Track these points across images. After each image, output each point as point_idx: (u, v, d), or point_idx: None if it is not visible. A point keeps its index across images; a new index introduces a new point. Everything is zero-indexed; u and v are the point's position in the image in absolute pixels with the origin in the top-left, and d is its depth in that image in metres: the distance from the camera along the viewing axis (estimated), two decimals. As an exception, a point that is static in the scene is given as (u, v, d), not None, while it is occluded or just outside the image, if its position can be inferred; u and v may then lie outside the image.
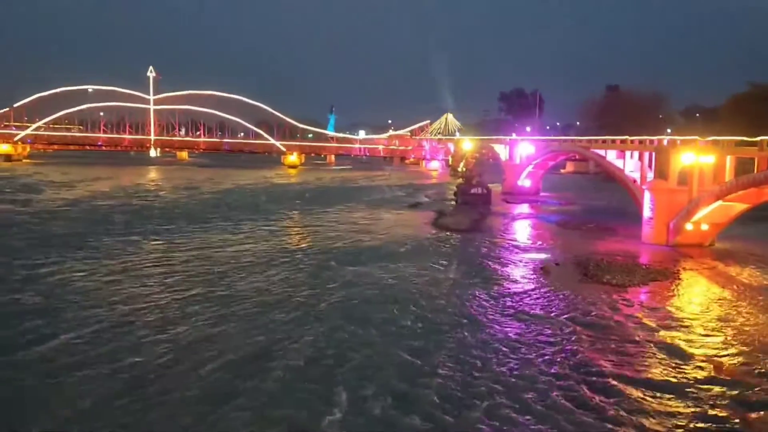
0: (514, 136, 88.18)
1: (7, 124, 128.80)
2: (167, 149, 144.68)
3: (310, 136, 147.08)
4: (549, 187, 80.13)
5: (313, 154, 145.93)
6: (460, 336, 20.00)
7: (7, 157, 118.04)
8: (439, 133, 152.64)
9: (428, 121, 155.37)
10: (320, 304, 22.99)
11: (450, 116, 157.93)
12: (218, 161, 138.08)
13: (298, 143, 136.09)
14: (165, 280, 25.77)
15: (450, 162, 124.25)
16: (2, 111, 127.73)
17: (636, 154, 46.38)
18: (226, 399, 14.70)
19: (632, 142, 47.63)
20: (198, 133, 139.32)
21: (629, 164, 47.22)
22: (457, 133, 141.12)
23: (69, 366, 16.37)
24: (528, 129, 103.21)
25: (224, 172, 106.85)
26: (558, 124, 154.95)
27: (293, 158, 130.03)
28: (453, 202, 61.13)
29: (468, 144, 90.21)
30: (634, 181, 45.22)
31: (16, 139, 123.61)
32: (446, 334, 20.21)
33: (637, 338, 20.42)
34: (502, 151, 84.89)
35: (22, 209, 48.56)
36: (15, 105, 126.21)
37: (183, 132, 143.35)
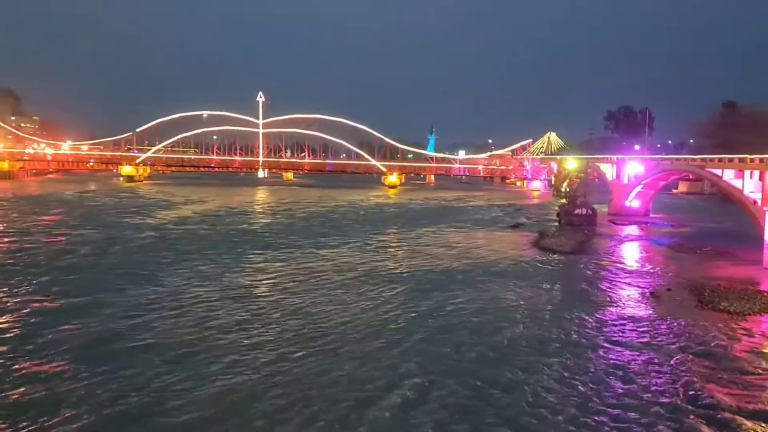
0: (621, 155, 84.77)
1: (130, 147, 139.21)
2: (274, 170, 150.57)
3: (410, 156, 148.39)
4: (659, 208, 76.28)
5: (412, 174, 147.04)
6: (565, 362, 19.28)
7: (130, 178, 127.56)
8: (541, 153, 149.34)
9: (530, 141, 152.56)
10: (420, 324, 22.98)
11: (553, 135, 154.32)
12: (321, 181, 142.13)
13: (398, 163, 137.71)
14: (273, 295, 26.71)
15: (553, 182, 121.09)
16: (126, 135, 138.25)
17: (756, 173, 43.31)
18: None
19: (752, 160, 44.51)
20: (303, 154, 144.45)
21: (749, 184, 44.11)
22: (560, 153, 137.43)
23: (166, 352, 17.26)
24: (637, 147, 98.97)
25: (327, 192, 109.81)
26: (670, 142, 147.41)
27: (393, 178, 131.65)
28: (556, 223, 59.50)
29: (572, 163, 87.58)
30: (755, 202, 42.19)
31: (137, 161, 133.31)
32: (550, 358, 19.57)
33: (759, 371, 18.93)
34: (608, 170, 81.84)
35: (150, 223, 52.09)
36: (137, 130, 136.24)
37: (289, 153, 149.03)
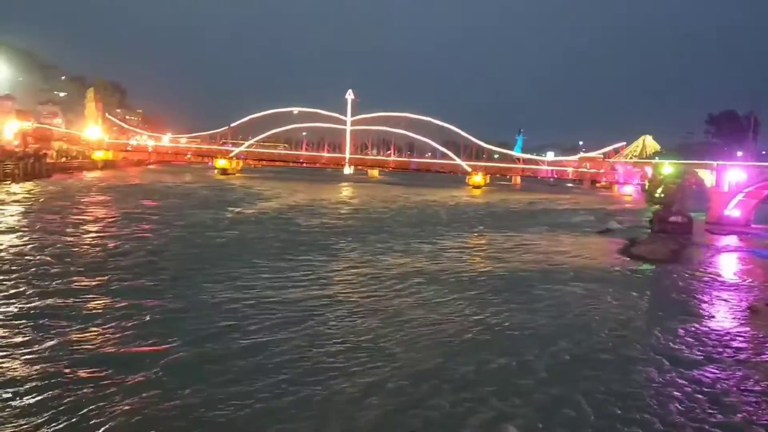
0: (722, 162, 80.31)
1: (224, 141, 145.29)
2: (360, 167, 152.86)
3: (496, 156, 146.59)
4: (763, 218, 71.74)
5: (498, 175, 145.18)
6: (654, 376, 18.43)
7: (224, 171, 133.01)
8: (634, 156, 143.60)
9: (623, 143, 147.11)
10: (502, 327, 22.76)
11: (648, 138, 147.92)
12: (406, 179, 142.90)
13: (483, 164, 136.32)
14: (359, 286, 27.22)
15: (646, 187, 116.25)
16: (221, 130, 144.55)
17: None
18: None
19: None
20: (388, 152, 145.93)
21: None
22: (656, 157, 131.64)
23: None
24: (739, 154, 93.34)
25: (411, 190, 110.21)
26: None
27: (478, 178, 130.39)
28: (648, 231, 57.17)
29: (668, 168, 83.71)
30: None
31: (231, 155, 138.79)
32: (638, 373, 18.73)
33: None
34: (707, 177, 77.87)
35: (247, 213, 54.27)
36: (232, 125, 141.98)
37: (375, 151, 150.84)
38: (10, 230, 38.12)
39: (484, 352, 19.62)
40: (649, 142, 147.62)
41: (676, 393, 17.30)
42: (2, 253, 30.17)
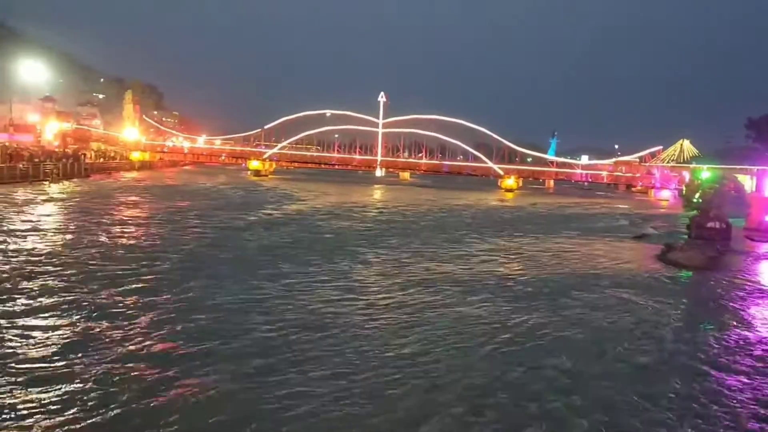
0: (763, 167, 78.15)
1: (258, 143, 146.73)
2: (391, 169, 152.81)
3: (529, 159, 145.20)
4: (805, 225, 69.46)
5: (531, 179, 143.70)
6: (689, 388, 17.90)
7: (257, 172, 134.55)
8: (672, 160, 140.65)
9: (660, 147, 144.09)
10: (539, 334, 22.43)
11: (686, 142, 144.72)
12: (437, 182, 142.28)
13: (516, 167, 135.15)
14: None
15: (683, 192, 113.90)
16: (255, 132, 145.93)
17: None
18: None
19: None
20: (420, 154, 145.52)
21: None
22: (693, 161, 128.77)
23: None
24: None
25: (443, 193, 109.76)
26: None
27: (510, 182, 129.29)
28: (685, 236, 55.89)
29: (706, 173, 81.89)
30: None
31: (264, 156, 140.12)
32: (671, 383, 18.26)
33: None
34: (746, 182, 75.98)
35: (282, 214, 54.79)
36: (265, 127, 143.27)
37: (406, 154, 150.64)
38: (47, 229, 39.02)
39: (532, 358, 19.39)
40: (687, 146, 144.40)
41: (714, 401, 16.77)
42: (41, 251, 30.90)
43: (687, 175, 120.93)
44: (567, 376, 18.17)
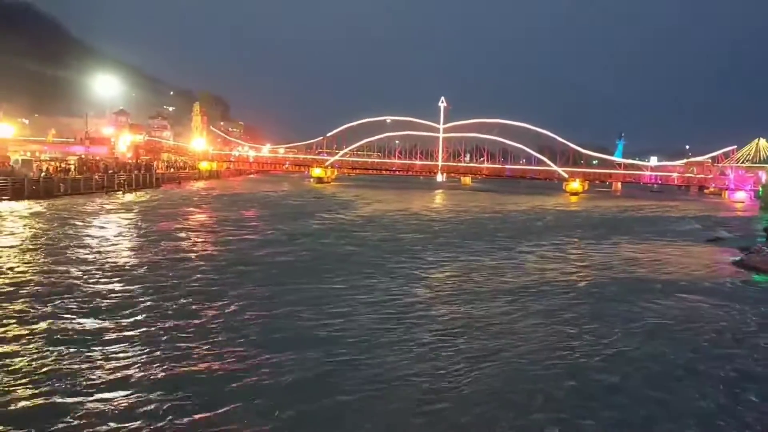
0: None
1: (320, 150, 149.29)
2: (452, 174, 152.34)
3: (594, 162, 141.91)
4: None
5: (597, 182, 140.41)
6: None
7: (319, 180, 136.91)
8: (747, 160, 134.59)
9: (734, 147, 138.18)
10: (612, 339, 21.91)
11: (762, 141, 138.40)
12: (499, 187, 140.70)
13: (581, 170, 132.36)
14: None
15: (760, 193, 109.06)
16: (317, 140, 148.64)
17: None
18: None
19: None
20: (481, 159, 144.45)
21: None
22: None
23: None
24: None
25: (506, 197, 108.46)
26: None
27: (575, 185, 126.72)
28: (762, 239, 53.29)
29: (785, 173, 77.95)
30: None
31: (326, 164, 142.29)
32: (754, 392, 17.47)
33: None
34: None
35: (347, 219, 55.59)
36: (327, 134, 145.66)
37: (467, 158, 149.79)
38: (121, 235, 40.93)
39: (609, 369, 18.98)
40: (763, 145, 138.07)
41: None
42: (114, 258, 32.39)
43: (764, 176, 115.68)
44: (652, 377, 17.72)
